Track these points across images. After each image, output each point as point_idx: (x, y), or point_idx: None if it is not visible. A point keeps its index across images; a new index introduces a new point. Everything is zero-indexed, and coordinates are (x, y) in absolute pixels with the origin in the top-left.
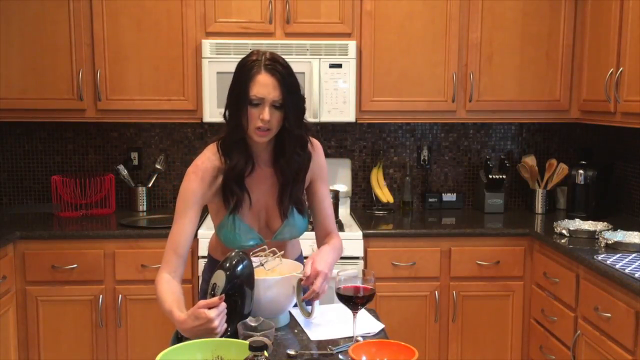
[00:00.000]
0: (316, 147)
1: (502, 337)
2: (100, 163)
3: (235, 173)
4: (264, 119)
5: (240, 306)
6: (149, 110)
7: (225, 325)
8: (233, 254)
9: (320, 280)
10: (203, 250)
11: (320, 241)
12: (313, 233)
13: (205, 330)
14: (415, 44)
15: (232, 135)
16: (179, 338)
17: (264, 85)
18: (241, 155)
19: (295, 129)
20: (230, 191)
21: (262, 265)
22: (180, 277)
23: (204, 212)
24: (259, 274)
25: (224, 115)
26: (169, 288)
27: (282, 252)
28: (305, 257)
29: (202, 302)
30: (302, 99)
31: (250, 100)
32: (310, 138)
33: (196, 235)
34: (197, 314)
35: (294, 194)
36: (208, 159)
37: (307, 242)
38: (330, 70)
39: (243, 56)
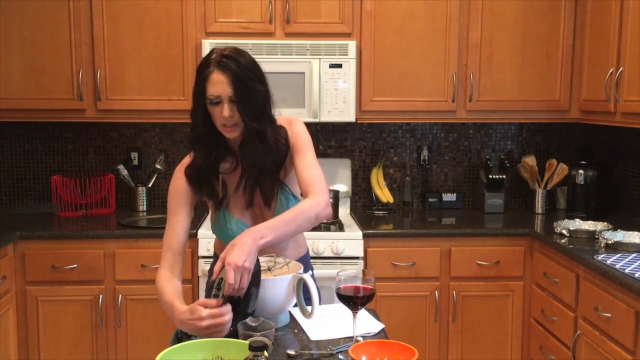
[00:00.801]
0: (289, 124)
1: (502, 337)
2: (100, 163)
3: (193, 169)
4: (224, 116)
5: (244, 303)
6: (149, 110)
7: (219, 330)
8: None
9: (230, 272)
10: (203, 250)
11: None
12: (313, 233)
13: (194, 328)
14: (415, 44)
15: (193, 132)
16: (179, 338)
17: (218, 83)
18: (201, 152)
19: (252, 123)
20: (207, 190)
21: (270, 269)
22: (179, 273)
23: (203, 213)
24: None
25: (190, 113)
26: (169, 284)
27: (290, 260)
28: (312, 258)
29: (202, 300)
30: (258, 92)
31: (209, 99)
32: (289, 118)
33: (196, 235)
34: (193, 309)
35: (267, 184)
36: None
37: (307, 242)
38: (330, 70)
39: None
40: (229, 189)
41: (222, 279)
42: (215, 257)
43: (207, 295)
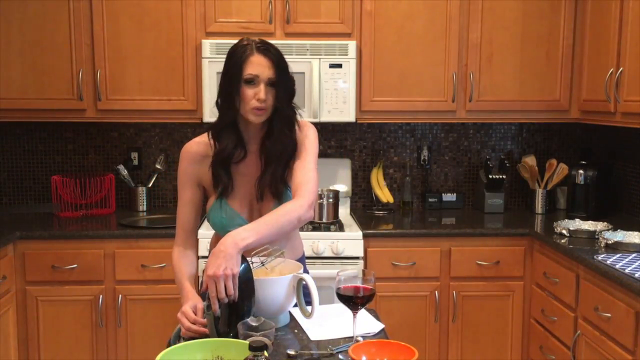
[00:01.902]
0: (302, 127)
1: (502, 337)
2: (100, 163)
3: (223, 157)
4: (260, 97)
5: (240, 310)
6: (149, 110)
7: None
8: None
9: (211, 285)
10: (203, 250)
11: None
12: (313, 233)
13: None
14: (415, 44)
15: (223, 118)
16: (179, 337)
17: (259, 65)
18: (230, 140)
19: (285, 109)
20: (217, 175)
21: (263, 264)
22: (193, 247)
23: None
24: (259, 274)
25: (216, 102)
26: (182, 259)
27: (284, 250)
28: (308, 258)
29: (187, 310)
30: (292, 81)
31: (245, 79)
32: (304, 121)
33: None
34: (185, 312)
35: (276, 175)
36: (197, 142)
37: (307, 242)
38: (330, 70)
39: None
40: (236, 179)
41: None
42: None
43: (201, 296)
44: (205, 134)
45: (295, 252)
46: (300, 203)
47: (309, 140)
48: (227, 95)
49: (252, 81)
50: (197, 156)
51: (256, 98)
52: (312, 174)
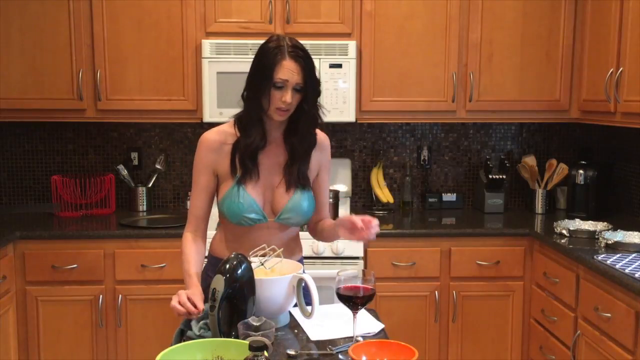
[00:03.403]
0: (326, 140)
1: (502, 337)
2: (100, 163)
3: (252, 149)
4: (286, 101)
5: (242, 310)
6: (149, 110)
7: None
8: (232, 256)
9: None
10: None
11: (314, 224)
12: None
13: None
14: (415, 44)
15: (251, 114)
16: (181, 337)
17: (289, 70)
18: (258, 133)
19: (312, 110)
20: (244, 165)
21: (262, 264)
22: (203, 233)
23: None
24: (259, 274)
25: (242, 95)
26: (191, 246)
27: (282, 249)
28: (308, 258)
29: (183, 294)
30: (318, 82)
31: (274, 83)
32: (321, 132)
33: None
34: (179, 294)
35: (301, 170)
36: (217, 131)
37: (307, 242)
38: (330, 70)
39: (243, 56)
40: (260, 168)
41: (214, 289)
42: (211, 257)
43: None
44: (224, 125)
45: (297, 251)
46: None
47: (329, 156)
48: (256, 92)
49: (282, 85)
50: (216, 144)
51: (282, 100)
52: (329, 191)
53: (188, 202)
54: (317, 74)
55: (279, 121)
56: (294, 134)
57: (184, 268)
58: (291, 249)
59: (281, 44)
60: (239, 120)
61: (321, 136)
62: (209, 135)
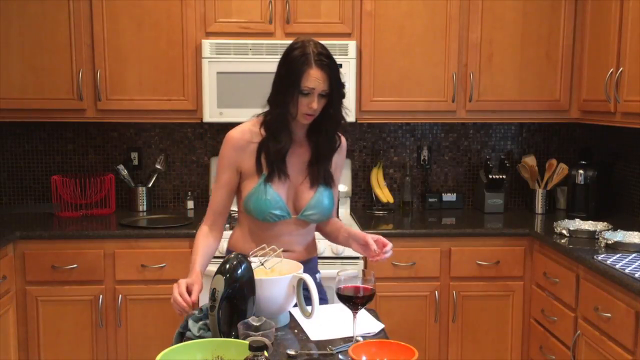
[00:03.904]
0: (344, 141)
1: (502, 337)
2: (100, 163)
3: (283, 153)
4: (312, 107)
5: (242, 310)
6: (149, 110)
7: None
8: (232, 256)
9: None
10: None
11: (323, 224)
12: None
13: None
14: (415, 44)
15: (278, 118)
16: (181, 340)
17: (315, 79)
18: (287, 136)
19: (338, 114)
20: (275, 167)
21: (262, 264)
22: (219, 230)
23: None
24: (259, 274)
25: (269, 99)
26: (203, 240)
27: (282, 249)
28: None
29: (183, 283)
30: (343, 86)
31: (301, 91)
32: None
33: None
34: (179, 283)
35: (325, 168)
36: (242, 130)
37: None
38: None
39: (243, 56)
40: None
41: (214, 289)
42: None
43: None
44: (250, 121)
45: (313, 250)
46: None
47: (344, 163)
48: (283, 97)
49: (308, 92)
50: (242, 142)
51: (309, 107)
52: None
53: (189, 202)
54: (341, 79)
55: (302, 123)
56: (317, 134)
57: (192, 258)
58: (309, 247)
59: (307, 52)
60: (265, 123)
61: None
62: (235, 134)
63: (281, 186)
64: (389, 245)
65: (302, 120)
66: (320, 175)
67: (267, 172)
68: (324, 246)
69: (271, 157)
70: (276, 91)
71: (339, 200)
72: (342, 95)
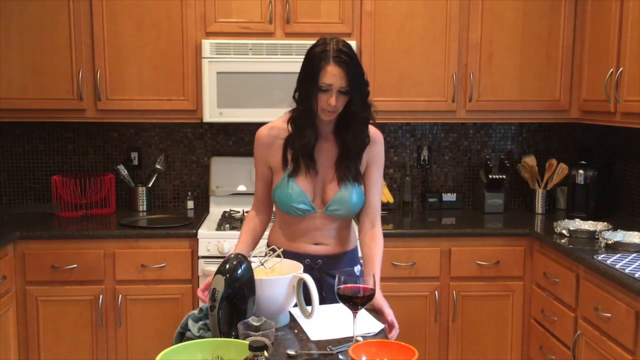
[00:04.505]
0: (378, 135)
1: (502, 337)
2: (100, 163)
3: (309, 148)
4: (331, 104)
5: (242, 310)
6: (149, 110)
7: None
8: (232, 256)
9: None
10: (203, 250)
11: (361, 227)
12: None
13: None
14: (415, 44)
15: (303, 115)
16: (181, 340)
17: (332, 75)
18: (312, 132)
19: (360, 111)
20: (302, 162)
21: (262, 264)
22: (266, 213)
23: (203, 213)
24: (259, 274)
25: (294, 97)
26: (249, 223)
27: (282, 249)
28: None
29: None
30: (366, 84)
31: (319, 87)
32: (373, 127)
33: (196, 235)
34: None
35: (353, 165)
36: (270, 127)
37: None
38: None
39: (243, 56)
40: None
41: (214, 289)
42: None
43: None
44: (278, 120)
45: (349, 243)
46: (381, 232)
47: (383, 156)
48: (305, 94)
49: (327, 89)
50: (268, 138)
51: (328, 103)
52: (380, 192)
53: (189, 202)
54: (364, 75)
55: (327, 120)
56: (345, 131)
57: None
58: (342, 240)
59: (327, 49)
60: (292, 119)
61: (372, 131)
62: (262, 132)
63: (307, 181)
64: (395, 330)
65: (322, 116)
66: (348, 172)
67: (292, 166)
68: None
69: (297, 152)
70: (299, 88)
71: (380, 196)
72: (365, 93)
